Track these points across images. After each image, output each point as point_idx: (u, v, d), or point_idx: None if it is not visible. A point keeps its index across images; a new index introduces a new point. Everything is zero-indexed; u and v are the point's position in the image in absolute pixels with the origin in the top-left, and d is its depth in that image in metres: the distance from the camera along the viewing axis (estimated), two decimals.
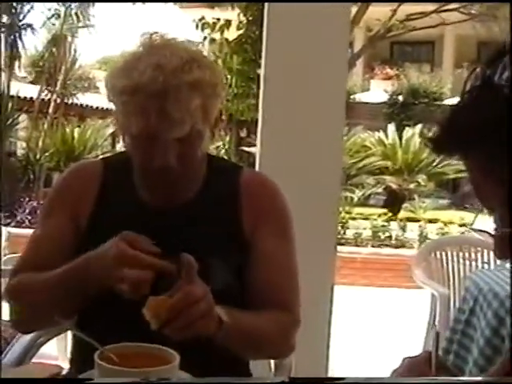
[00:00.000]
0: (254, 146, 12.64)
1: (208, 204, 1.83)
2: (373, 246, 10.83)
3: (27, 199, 11.67)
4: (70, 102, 17.61)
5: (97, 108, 19.54)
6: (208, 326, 1.51)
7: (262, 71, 3.28)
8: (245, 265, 1.81)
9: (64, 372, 1.59)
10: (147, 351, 1.45)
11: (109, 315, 1.70)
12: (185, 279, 1.48)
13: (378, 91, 21.01)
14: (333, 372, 3.47)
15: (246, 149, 13.24)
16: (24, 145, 16.15)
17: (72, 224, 1.82)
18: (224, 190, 1.87)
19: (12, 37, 15.55)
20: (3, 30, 15.34)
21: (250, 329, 1.69)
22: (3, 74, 15.07)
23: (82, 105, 18.54)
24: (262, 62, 3.28)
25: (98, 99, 20.06)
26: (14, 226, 10.03)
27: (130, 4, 15.00)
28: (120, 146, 20.16)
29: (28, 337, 2.16)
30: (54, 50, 16.23)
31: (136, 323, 1.61)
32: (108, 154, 9.92)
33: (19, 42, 15.72)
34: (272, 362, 2.06)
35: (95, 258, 1.63)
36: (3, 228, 6.34)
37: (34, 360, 2.16)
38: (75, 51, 17.01)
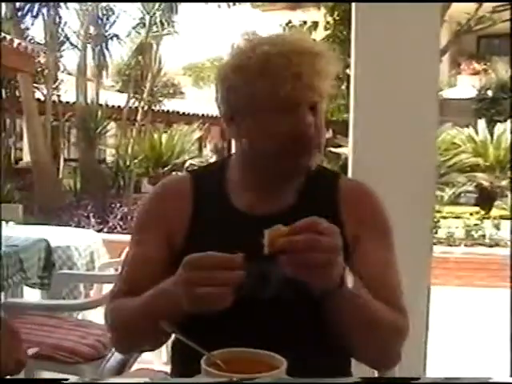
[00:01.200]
0: (341, 146, 12.57)
1: (307, 212, 1.78)
2: (466, 246, 10.61)
3: (118, 205, 11.86)
4: (157, 108, 17.85)
5: (183, 114, 19.78)
6: (326, 277, 1.48)
7: (351, 71, 3.24)
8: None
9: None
10: (254, 357, 1.43)
11: (211, 320, 1.68)
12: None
13: (465, 87, 20.61)
14: (430, 372, 3.41)
15: (334, 150, 13.14)
16: (113, 152, 16.46)
17: (167, 243, 1.79)
18: (323, 198, 1.83)
19: (99, 47, 15.85)
20: (90, 40, 15.65)
21: (369, 310, 1.63)
22: (92, 84, 15.39)
23: (168, 111, 18.79)
24: (352, 61, 3.23)
25: (184, 105, 20.31)
26: (106, 232, 10.19)
27: (215, 9, 15.05)
28: (207, 151, 20.40)
29: None
30: (140, 58, 16.46)
31: (240, 328, 1.60)
32: (196, 159, 9.98)
33: (106, 51, 16.02)
34: None
35: (167, 288, 1.59)
36: (97, 234, 6.44)
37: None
38: (160, 58, 17.19)
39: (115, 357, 2.08)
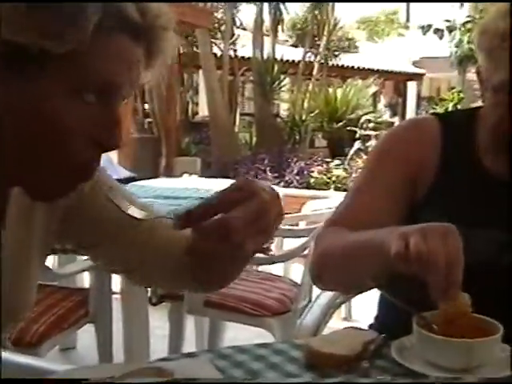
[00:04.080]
0: None
1: None
2: None
3: (294, 160, 11.91)
4: (331, 63, 17.76)
5: (357, 68, 19.62)
6: None
7: None
8: None
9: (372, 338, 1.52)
10: (467, 320, 1.36)
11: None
12: None
13: None
14: None
15: None
16: (287, 106, 16.55)
17: (406, 186, 1.66)
18: None
19: (275, 2, 15.87)
20: None
21: None
22: (268, 39, 15.47)
23: (343, 65, 18.67)
24: None
25: (359, 59, 20.12)
26: (283, 187, 10.25)
27: None
28: (381, 106, 20.13)
29: (326, 297, 2.14)
30: (316, 12, 16.36)
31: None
32: (371, 115, 9.71)
33: (282, 6, 16.01)
34: None
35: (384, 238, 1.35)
36: (277, 188, 6.48)
37: None
38: (336, 13, 17.02)
39: (312, 313, 2.06)
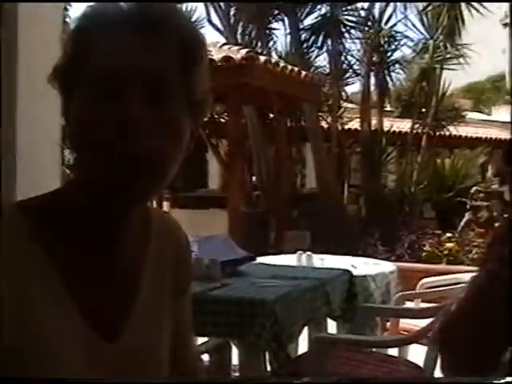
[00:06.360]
0: None
1: None
2: None
3: (406, 233, 11.73)
4: (438, 133, 17.62)
5: (465, 138, 19.36)
6: None
7: None
8: None
9: None
10: None
11: None
12: None
13: None
14: None
15: None
16: (393, 178, 16.46)
17: None
18: None
19: (381, 74, 15.95)
20: (373, 68, 15.80)
21: None
22: (374, 111, 15.50)
23: (450, 135, 18.48)
24: None
25: (466, 128, 19.87)
26: (394, 261, 10.05)
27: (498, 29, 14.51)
28: (489, 175, 19.77)
29: None
30: (423, 83, 16.28)
31: None
32: (480, 185, 9.54)
33: (388, 78, 16.06)
34: None
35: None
36: (391, 264, 6.37)
37: None
38: (443, 83, 16.89)
39: None
